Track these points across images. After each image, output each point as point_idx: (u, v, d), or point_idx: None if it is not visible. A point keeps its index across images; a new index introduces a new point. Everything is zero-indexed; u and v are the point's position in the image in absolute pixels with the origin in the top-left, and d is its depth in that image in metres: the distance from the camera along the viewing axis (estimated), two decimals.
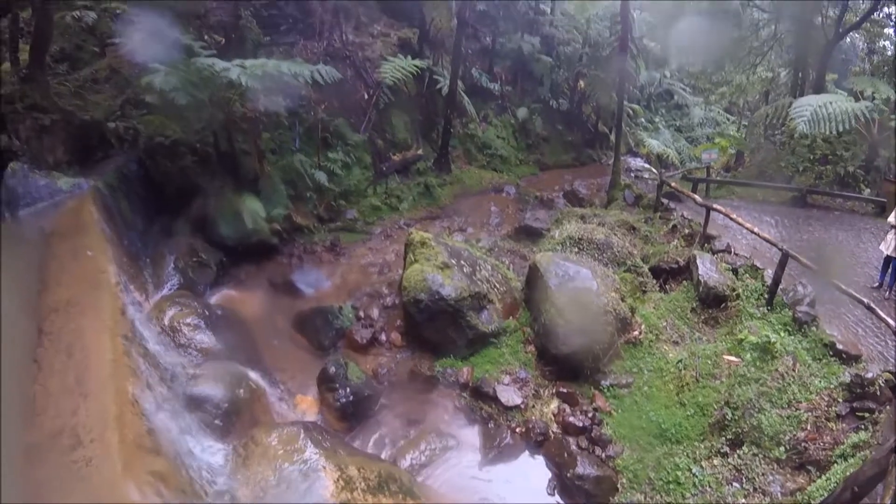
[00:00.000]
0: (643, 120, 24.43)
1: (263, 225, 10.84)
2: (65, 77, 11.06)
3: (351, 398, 7.84)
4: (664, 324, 9.19)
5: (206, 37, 11.49)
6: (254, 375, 7.82)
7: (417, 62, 14.88)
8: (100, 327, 6.14)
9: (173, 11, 12.41)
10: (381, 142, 14.30)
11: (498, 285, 9.80)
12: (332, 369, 8.04)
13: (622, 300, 9.07)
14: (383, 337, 9.45)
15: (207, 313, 8.44)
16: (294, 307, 10.05)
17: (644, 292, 10.05)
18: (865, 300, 7.21)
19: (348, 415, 7.78)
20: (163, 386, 6.28)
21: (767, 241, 9.10)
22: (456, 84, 15.47)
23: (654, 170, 20.28)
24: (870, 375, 6.69)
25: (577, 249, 10.71)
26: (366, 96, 14.10)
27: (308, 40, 13.86)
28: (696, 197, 12.09)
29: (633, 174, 19.66)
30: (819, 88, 16.67)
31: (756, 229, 9.43)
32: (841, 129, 12.46)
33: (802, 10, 17.03)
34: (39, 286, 6.75)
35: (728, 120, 27.61)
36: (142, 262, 9.20)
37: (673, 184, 13.39)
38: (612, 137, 18.43)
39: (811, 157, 14.94)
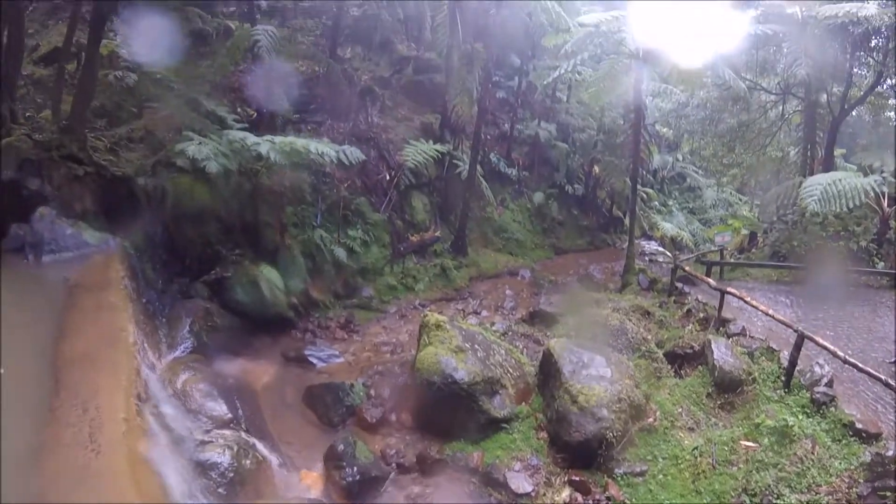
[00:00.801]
0: (657, 203, 24.98)
1: (280, 296, 11.06)
2: (102, 132, 11.68)
3: (358, 477, 7.76)
4: (679, 410, 9.14)
5: (238, 109, 12.20)
6: (261, 447, 7.78)
7: (438, 146, 15.51)
8: (116, 385, 6.27)
9: (210, 83, 13.34)
10: (401, 222, 14.75)
11: (511, 370, 9.83)
12: (340, 447, 8.00)
13: (636, 387, 9.07)
14: (393, 417, 9.42)
15: (220, 380, 8.54)
16: (305, 381, 10.08)
17: (659, 378, 10.03)
18: (883, 377, 7.21)
19: (354, 494, 7.67)
20: (172, 449, 6.33)
21: (782, 322, 9.17)
22: (475, 169, 16.05)
23: (668, 253, 20.55)
24: (890, 453, 6.63)
25: (591, 335, 10.76)
26: (387, 177, 14.68)
27: (335, 120, 14.61)
28: (710, 281, 12.23)
29: (647, 258, 19.96)
30: (828, 165, 17.19)
31: (771, 311, 9.51)
32: (851, 205, 12.68)
33: (808, 90, 17.71)
34: (58, 335, 6.91)
35: (740, 201, 28.13)
36: (158, 322, 9.38)
37: (687, 268, 13.57)
38: (627, 221, 18.82)
39: (823, 235, 15.14)
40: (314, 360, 10.83)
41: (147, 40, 13.46)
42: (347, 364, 11.08)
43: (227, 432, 7.56)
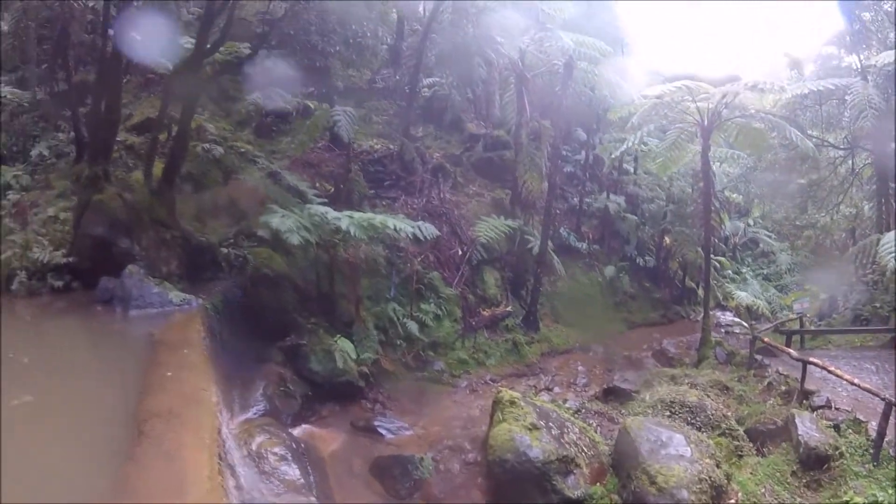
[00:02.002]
0: (730, 272, 24.39)
1: (353, 366, 11.35)
2: (188, 198, 12.70)
3: None
4: (762, 490, 8.74)
5: (317, 184, 13.01)
6: None
7: (510, 222, 15.90)
8: (199, 443, 6.54)
9: (290, 158, 14.32)
10: (472, 297, 15.02)
11: (586, 449, 9.68)
12: None
13: (717, 466, 8.76)
14: (462, 493, 9.37)
15: (294, 446, 8.79)
16: (373, 451, 10.16)
17: (740, 457, 9.67)
18: None
19: None
20: None
21: (868, 391, 8.85)
22: (546, 243, 16.28)
23: (744, 324, 20.00)
24: None
25: (668, 413, 10.53)
26: (460, 252, 15.10)
27: (409, 196, 15.32)
28: (791, 351, 11.85)
29: (723, 330, 19.39)
30: None
31: (856, 380, 9.21)
32: None
33: (876, 141, 17.12)
34: (142, 388, 7.32)
35: (816, 263, 27.07)
36: (232, 383, 9.78)
37: (766, 339, 13.18)
38: (700, 292, 18.48)
39: None
40: (383, 431, 10.91)
41: (234, 119, 14.83)
42: (416, 437, 11.10)
43: (299, 498, 7.74)
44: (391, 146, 16.56)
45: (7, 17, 15.80)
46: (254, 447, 8.36)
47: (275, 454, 8.39)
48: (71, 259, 11.48)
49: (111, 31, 11.90)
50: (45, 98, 15.43)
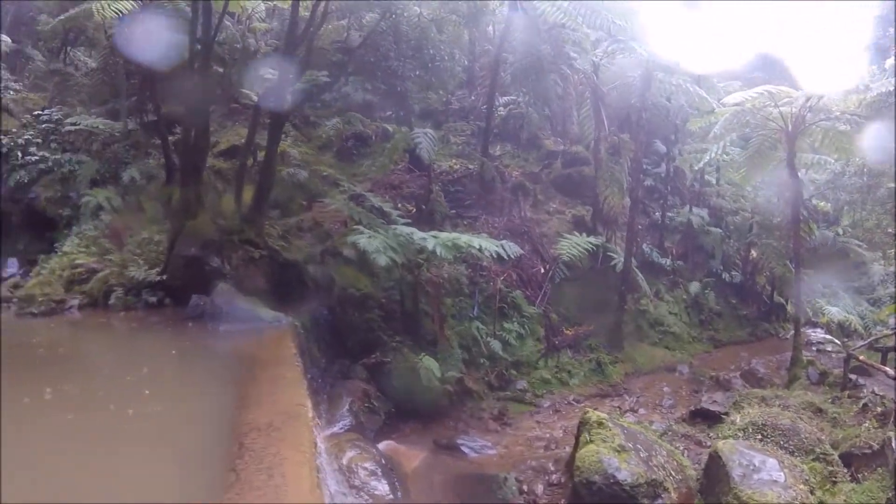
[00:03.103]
0: (820, 285, 23.21)
1: (437, 384, 11.54)
2: (275, 221, 13.36)
3: None
4: None
5: (399, 205, 13.40)
6: None
7: (592, 239, 15.81)
8: (300, 458, 6.71)
9: (371, 180, 14.82)
10: (555, 316, 15.01)
11: (673, 473, 9.51)
12: None
13: (811, 493, 8.48)
14: None
15: (384, 461, 9.02)
16: (455, 470, 10.30)
17: (834, 483, 9.26)
18: None
19: None
20: None
21: None
22: (630, 260, 16.11)
23: (836, 341, 18.97)
24: None
25: (760, 436, 10.21)
26: (542, 270, 15.15)
27: (489, 215, 15.52)
28: (888, 370, 11.27)
29: (814, 348, 18.52)
30: None
31: None
32: None
33: None
34: (240, 402, 7.60)
35: None
36: (319, 398, 10.15)
37: (860, 357, 12.57)
38: (790, 309, 17.75)
39: None
40: (466, 450, 11.05)
41: (316, 144, 15.54)
42: (499, 456, 11.16)
43: None
44: (470, 166, 16.86)
45: (96, 54, 17.35)
46: (344, 461, 8.64)
47: (365, 469, 8.66)
48: (164, 277, 12.27)
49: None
50: (135, 128, 16.62)
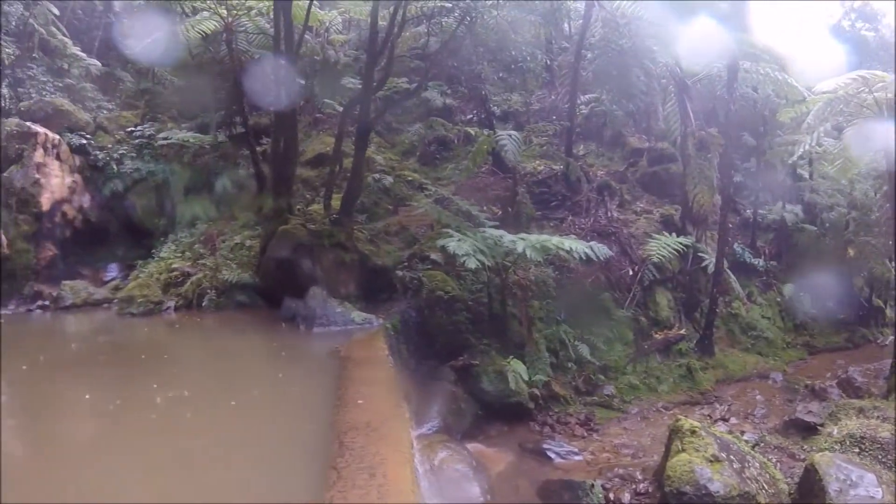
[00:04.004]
0: None
1: (524, 388, 11.69)
2: (363, 225, 14.02)
3: None
4: None
5: (484, 208, 13.64)
6: None
7: (682, 239, 15.53)
8: (400, 458, 6.91)
9: (455, 184, 15.12)
10: (644, 319, 14.87)
11: (766, 486, 9.26)
12: None
13: None
14: None
15: (474, 463, 9.22)
16: (540, 475, 10.32)
17: None
18: None
19: None
20: None
21: None
22: (722, 261, 15.71)
23: None
24: None
25: (858, 450, 9.84)
26: (630, 273, 15.02)
27: (575, 216, 15.53)
28: None
29: None
30: None
31: None
32: None
33: None
34: (338, 401, 7.99)
35: None
36: (409, 399, 10.39)
37: None
38: (889, 313, 16.86)
39: None
40: (552, 455, 11.06)
41: (399, 149, 16.01)
42: (585, 463, 11.13)
43: None
44: (554, 167, 16.91)
45: (183, 73, 18.61)
46: (436, 462, 8.87)
47: (456, 471, 8.86)
48: (256, 280, 12.95)
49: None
50: (224, 140, 17.70)
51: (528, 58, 15.69)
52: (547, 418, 12.18)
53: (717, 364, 15.69)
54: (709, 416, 13.37)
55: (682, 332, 15.59)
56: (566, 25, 21.01)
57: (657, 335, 14.94)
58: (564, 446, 11.42)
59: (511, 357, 11.62)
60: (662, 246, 14.91)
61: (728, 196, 16.22)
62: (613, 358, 13.94)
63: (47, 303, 14.84)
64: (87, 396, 9.22)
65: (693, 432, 9.58)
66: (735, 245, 18.95)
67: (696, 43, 16.34)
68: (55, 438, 7.68)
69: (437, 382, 11.46)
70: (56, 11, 19.07)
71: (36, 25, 18.57)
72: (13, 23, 18.15)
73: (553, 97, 20.77)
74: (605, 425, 12.49)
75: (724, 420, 13.26)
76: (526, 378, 11.66)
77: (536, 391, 11.97)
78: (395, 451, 7.22)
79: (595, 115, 20.62)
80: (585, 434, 12.14)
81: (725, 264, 16.41)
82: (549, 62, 20.59)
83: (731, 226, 18.87)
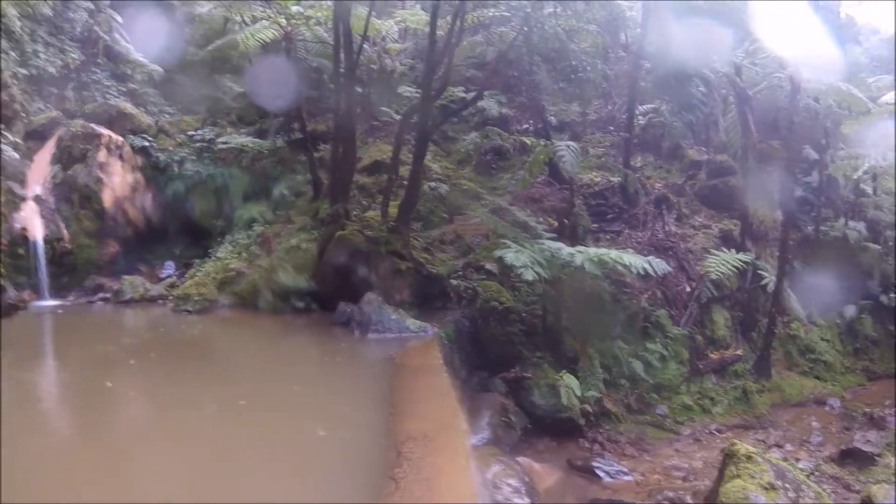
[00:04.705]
0: None
1: (576, 403, 11.68)
2: (418, 234, 14.27)
3: None
4: None
5: (540, 219, 13.71)
6: None
7: (741, 256, 15.29)
8: (457, 470, 6.96)
9: (511, 194, 15.24)
10: (700, 338, 14.66)
11: None
12: None
13: None
14: None
15: (526, 479, 9.28)
16: (588, 493, 10.33)
17: None
18: None
19: None
20: None
21: None
22: (783, 280, 15.42)
23: None
24: None
25: None
26: (687, 289, 14.86)
27: (632, 230, 15.45)
28: None
29: None
30: None
31: None
32: None
33: None
34: (393, 410, 8.09)
35: None
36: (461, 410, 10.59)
37: None
38: None
39: None
40: (601, 474, 11.00)
41: (455, 158, 16.22)
42: (635, 483, 11.03)
43: None
44: (611, 178, 16.85)
45: (242, 80, 19.45)
46: (489, 476, 8.95)
47: (509, 486, 8.90)
48: (312, 283, 13.24)
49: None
50: (282, 145, 18.27)
51: (588, 67, 15.64)
52: (597, 435, 12.13)
53: (773, 387, 15.38)
54: (763, 441, 13.14)
55: (739, 352, 15.32)
56: (622, 35, 20.89)
57: (713, 355, 14.72)
58: (614, 465, 11.38)
59: (564, 371, 11.62)
60: (721, 262, 14.66)
61: (789, 211, 15.93)
62: (667, 377, 13.78)
63: (108, 296, 15.65)
64: (132, 391, 9.74)
65: (749, 458, 9.45)
66: (795, 262, 18.54)
67: (754, 51, 16.21)
68: (105, 430, 7.99)
69: (489, 394, 11.56)
70: (119, 19, 20.15)
71: (100, 32, 19.58)
72: (78, 29, 19.16)
73: (610, 107, 20.70)
74: (657, 446, 12.39)
75: (779, 446, 13.01)
76: (578, 393, 11.65)
77: (588, 407, 11.96)
78: (453, 463, 7.27)
79: (653, 125, 20.45)
80: (636, 454, 12.05)
81: (785, 283, 16.13)
82: (606, 72, 20.52)
83: (791, 242, 18.51)
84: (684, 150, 20.65)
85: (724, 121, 19.11)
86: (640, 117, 20.14)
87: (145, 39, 20.38)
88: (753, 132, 16.45)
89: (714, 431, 13.25)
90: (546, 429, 11.65)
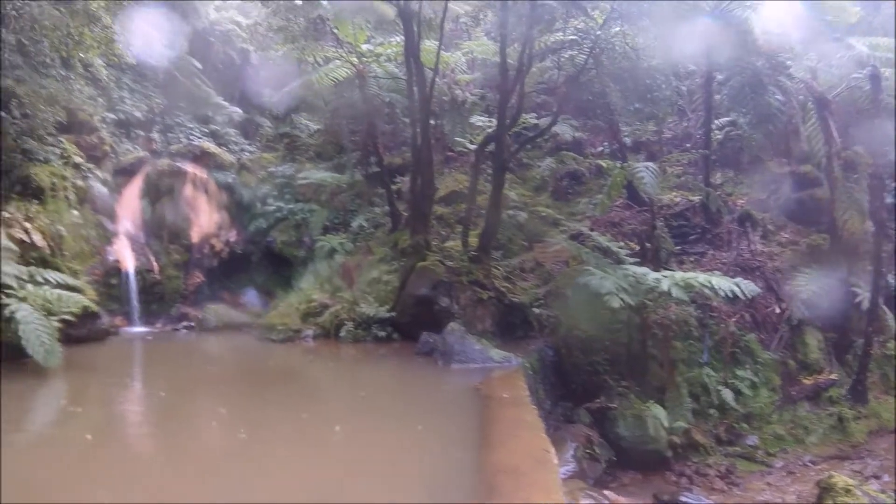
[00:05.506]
0: None
1: (663, 434, 11.55)
2: (498, 262, 14.52)
3: None
4: None
5: (621, 244, 13.65)
6: None
7: (831, 272, 14.78)
8: None
9: (590, 218, 15.24)
10: (792, 362, 14.20)
11: None
12: None
13: None
14: None
15: None
16: None
17: None
18: None
19: None
20: None
21: None
22: (878, 297, 14.81)
23: None
24: None
25: None
26: (777, 311, 14.44)
27: (716, 250, 15.15)
28: None
29: None
30: None
31: None
32: None
33: None
34: (483, 442, 8.05)
35: None
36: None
37: None
38: None
39: None
40: None
41: (531, 185, 16.38)
42: None
43: None
44: (691, 198, 16.61)
45: (317, 118, 20.95)
46: None
47: None
48: (394, 314, 13.57)
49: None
50: (360, 179, 19.01)
51: (663, 85, 15.52)
52: (685, 468, 11.92)
53: (870, 413, 14.60)
54: (860, 472, 12.51)
55: (833, 376, 14.69)
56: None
57: (806, 380, 14.17)
58: (703, 500, 11.15)
59: (650, 401, 11.53)
60: (811, 280, 14.25)
61: (880, 221, 15.22)
62: (758, 405, 13.38)
63: (192, 324, 16.65)
64: (223, 411, 10.02)
65: (847, 491, 9.16)
66: (890, 276, 17.73)
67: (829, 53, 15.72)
68: (192, 449, 8.32)
69: (573, 425, 11.58)
70: (199, 65, 21.24)
71: (181, 78, 20.67)
72: (160, 76, 20.30)
73: (685, 124, 20.40)
74: (747, 479, 12.04)
75: (877, 477, 12.40)
76: (665, 424, 11.51)
77: (675, 438, 11.79)
78: (545, 498, 7.25)
79: (731, 139, 19.97)
80: (725, 488, 11.75)
81: (880, 299, 15.45)
82: (679, 88, 20.28)
83: (884, 255, 17.73)
84: (765, 163, 20.06)
85: (804, 129, 18.55)
86: (716, 132, 19.73)
87: (225, 83, 21.61)
88: (836, 139, 15.93)
89: (808, 463, 12.77)
90: (631, 461, 11.54)
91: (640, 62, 15.08)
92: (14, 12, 12.13)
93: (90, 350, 13.24)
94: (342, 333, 14.10)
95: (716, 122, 19.30)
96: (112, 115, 18.96)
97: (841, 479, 9.48)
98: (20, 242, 13.24)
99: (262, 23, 18.13)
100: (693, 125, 20.32)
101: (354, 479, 7.39)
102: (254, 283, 18.58)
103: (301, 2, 16.37)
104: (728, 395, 12.64)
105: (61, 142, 16.11)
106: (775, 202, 18.48)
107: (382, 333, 13.71)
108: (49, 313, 11.38)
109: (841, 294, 15.36)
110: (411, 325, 13.16)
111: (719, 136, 20.02)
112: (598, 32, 14.60)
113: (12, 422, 8.45)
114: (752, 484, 11.91)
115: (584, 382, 12.02)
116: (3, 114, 13.37)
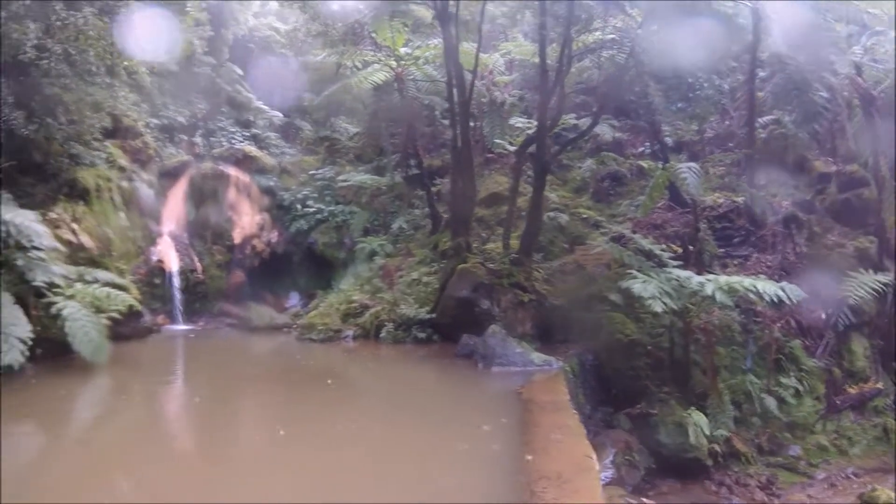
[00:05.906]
0: None
1: (703, 442, 11.39)
2: (539, 265, 14.51)
3: None
4: None
5: (663, 247, 13.51)
6: None
7: (880, 277, 14.46)
8: None
9: (631, 221, 15.16)
10: (838, 370, 13.88)
11: None
12: None
13: None
14: None
15: None
16: None
17: None
18: None
19: None
20: None
21: None
22: None
23: None
24: None
25: None
26: (823, 316, 14.15)
27: (761, 253, 14.90)
28: None
29: None
30: None
31: None
32: None
33: None
34: (525, 448, 8.11)
35: None
36: None
37: None
38: None
39: None
40: None
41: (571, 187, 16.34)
42: None
43: None
44: (735, 199, 16.38)
45: (356, 121, 21.45)
46: None
47: None
48: (434, 315, 13.69)
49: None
50: (400, 181, 19.31)
51: (706, 84, 15.34)
52: (725, 478, 11.68)
53: None
54: None
55: (879, 385, 14.27)
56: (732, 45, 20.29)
57: (851, 389, 13.79)
58: None
59: (692, 408, 11.38)
60: (860, 284, 13.89)
61: None
62: (802, 414, 13.09)
63: (234, 322, 17.14)
64: (263, 409, 10.49)
65: None
66: None
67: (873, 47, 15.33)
68: (232, 446, 8.59)
69: (613, 430, 11.55)
70: (240, 71, 21.83)
71: (223, 84, 21.19)
72: (202, 83, 20.86)
73: (728, 123, 20.09)
74: (788, 490, 11.77)
75: None
76: (707, 432, 11.33)
77: (716, 447, 11.61)
78: None
79: (775, 138, 19.58)
80: (766, 499, 11.51)
81: None
82: (721, 86, 19.98)
83: None
84: (811, 162, 19.63)
85: (850, 127, 18.14)
86: (760, 131, 19.39)
87: (265, 88, 22.14)
88: (883, 139, 15.52)
89: (851, 475, 12.36)
90: (671, 469, 11.43)
91: (682, 61, 14.92)
92: (59, 23, 12.50)
93: (134, 347, 13.82)
94: (382, 334, 14.29)
95: (759, 120, 18.99)
96: (156, 121, 19.53)
97: (884, 492, 9.35)
98: (68, 243, 13.71)
99: (300, 28, 18.40)
100: (736, 124, 20.00)
101: (392, 480, 7.53)
102: (295, 283, 18.99)
103: (339, 6, 16.61)
104: (771, 403, 12.41)
105: (107, 146, 16.68)
106: (821, 203, 18.08)
107: (422, 335, 13.84)
108: (98, 310, 11.78)
109: (889, 299, 15.10)
110: (451, 327, 13.26)
111: (763, 135, 19.64)
112: (639, 31, 14.48)
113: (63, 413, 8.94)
114: (793, 495, 11.66)
115: (624, 387, 11.94)
116: (49, 120, 13.80)
